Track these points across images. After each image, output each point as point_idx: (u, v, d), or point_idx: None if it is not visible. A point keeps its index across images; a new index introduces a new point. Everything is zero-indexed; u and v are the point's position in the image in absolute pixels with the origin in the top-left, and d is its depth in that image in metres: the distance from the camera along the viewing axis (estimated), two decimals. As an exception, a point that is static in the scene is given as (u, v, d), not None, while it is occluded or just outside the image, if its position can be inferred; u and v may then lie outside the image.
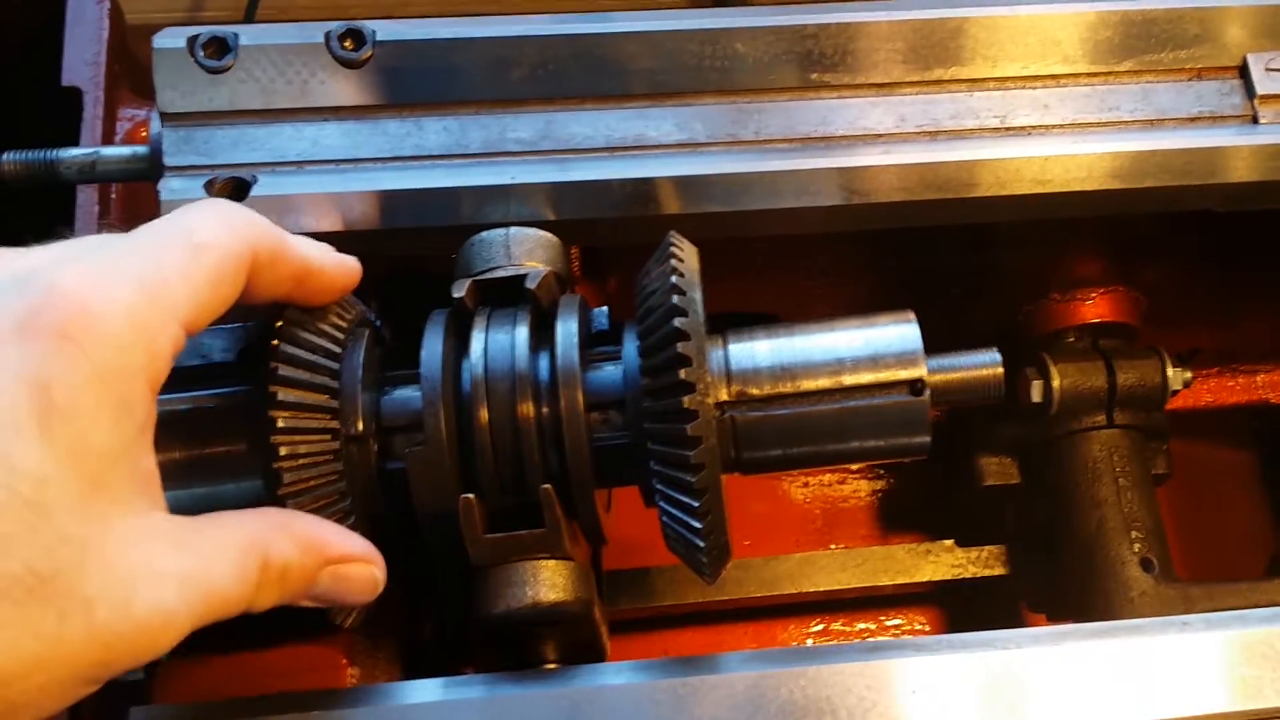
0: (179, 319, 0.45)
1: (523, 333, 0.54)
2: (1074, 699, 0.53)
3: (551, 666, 0.58)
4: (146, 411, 0.43)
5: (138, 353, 0.43)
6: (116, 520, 0.41)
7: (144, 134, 0.89)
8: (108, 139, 0.84)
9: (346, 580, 0.50)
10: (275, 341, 0.52)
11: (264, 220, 0.51)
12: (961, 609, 0.92)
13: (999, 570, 0.87)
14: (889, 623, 0.92)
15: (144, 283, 0.44)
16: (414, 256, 0.64)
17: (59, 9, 0.85)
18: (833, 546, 0.92)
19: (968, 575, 0.87)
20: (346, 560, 0.50)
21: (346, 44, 0.62)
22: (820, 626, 0.92)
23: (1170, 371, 0.80)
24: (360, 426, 0.54)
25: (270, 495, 0.52)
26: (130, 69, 0.86)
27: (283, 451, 0.51)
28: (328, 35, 0.62)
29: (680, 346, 0.51)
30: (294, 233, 0.57)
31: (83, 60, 0.84)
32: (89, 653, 0.40)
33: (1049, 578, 0.83)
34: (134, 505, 0.42)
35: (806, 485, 0.96)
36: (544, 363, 0.54)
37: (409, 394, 0.55)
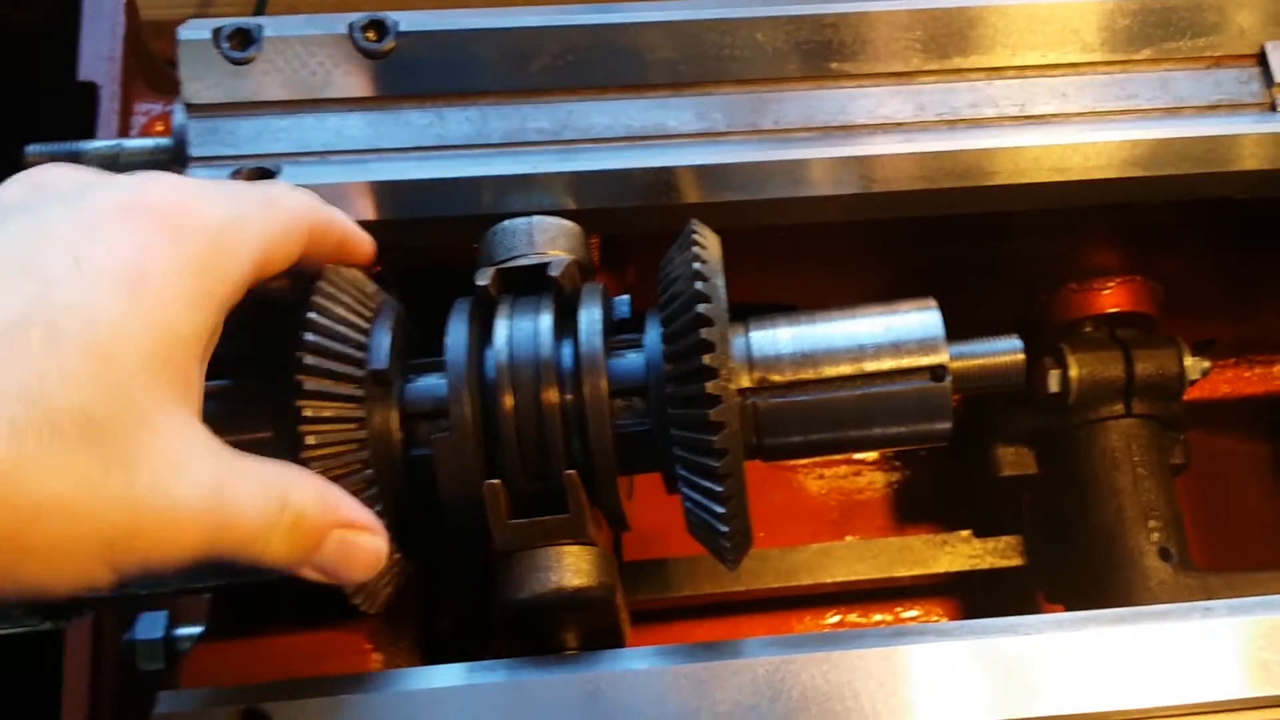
0: (254, 250, 0.48)
1: (546, 320, 0.55)
2: (1096, 684, 0.53)
3: (572, 652, 0.58)
4: (215, 323, 0.46)
5: (222, 256, 0.46)
6: (172, 405, 0.43)
7: (160, 128, 0.89)
8: (124, 133, 0.85)
9: (353, 548, 0.50)
10: (301, 331, 0.53)
11: (316, 197, 0.54)
12: (978, 600, 0.92)
13: (1016, 561, 0.87)
14: (905, 614, 0.92)
15: (232, 206, 0.48)
16: (436, 246, 0.64)
17: (75, 5, 0.85)
18: (849, 538, 0.92)
19: (985, 566, 0.87)
20: (356, 527, 0.50)
21: (369, 35, 0.62)
22: (837, 618, 0.92)
23: (1188, 361, 0.80)
24: (386, 414, 0.54)
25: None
26: (145, 64, 0.87)
27: (309, 440, 0.52)
28: (351, 26, 0.62)
29: (704, 332, 0.51)
30: None
31: (99, 55, 0.85)
32: (117, 517, 0.40)
33: (1066, 568, 0.83)
34: (186, 401, 0.44)
35: (822, 477, 0.96)
36: (567, 350, 0.55)
37: (433, 381, 0.56)
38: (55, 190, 0.46)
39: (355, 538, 0.50)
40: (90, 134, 0.83)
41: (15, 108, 0.93)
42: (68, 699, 0.77)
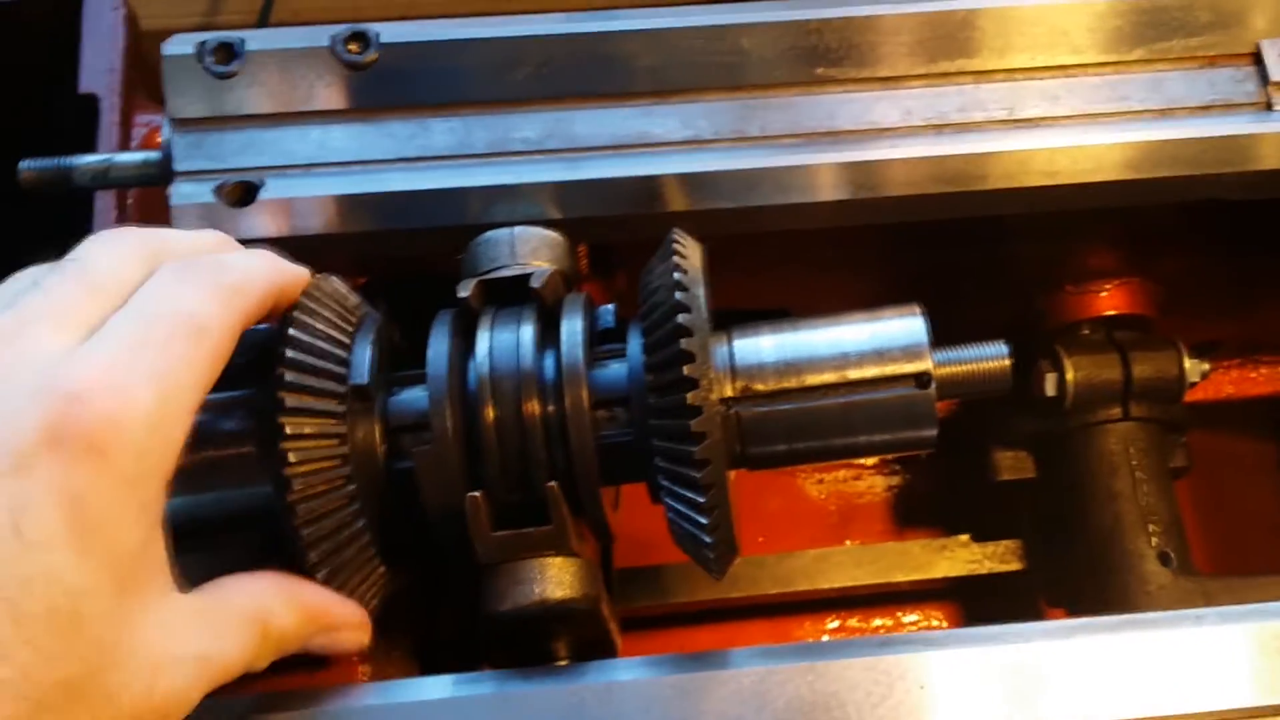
0: (190, 411, 0.46)
1: (528, 332, 0.55)
2: (1087, 693, 0.53)
3: (562, 663, 0.58)
4: (162, 504, 0.45)
5: (158, 455, 0.44)
6: (139, 614, 0.43)
7: (159, 139, 0.90)
8: (124, 145, 0.85)
9: (337, 643, 0.53)
10: (282, 347, 0.52)
11: (250, 269, 0.51)
12: (978, 605, 0.91)
13: (1015, 565, 0.86)
14: (905, 619, 0.92)
15: (160, 382, 0.44)
16: (420, 257, 0.64)
17: (75, 17, 0.86)
18: (848, 543, 0.92)
19: (984, 571, 0.86)
20: (337, 628, 0.53)
21: (351, 47, 0.62)
22: (836, 624, 0.91)
23: (1188, 363, 0.80)
24: (368, 428, 0.54)
25: (279, 499, 0.52)
26: (146, 75, 0.87)
27: (291, 458, 0.51)
28: (333, 39, 0.62)
29: (684, 343, 0.51)
30: (302, 235, 0.58)
31: (99, 67, 0.85)
32: None
33: (1066, 572, 0.83)
34: (154, 593, 0.45)
35: (822, 481, 0.96)
36: (549, 361, 0.54)
37: (416, 394, 0.56)
38: None
39: (339, 635, 0.53)
40: (92, 145, 0.84)
41: (19, 120, 0.94)
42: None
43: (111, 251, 0.48)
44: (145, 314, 0.46)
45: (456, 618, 0.75)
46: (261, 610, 0.49)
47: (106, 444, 0.42)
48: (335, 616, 0.52)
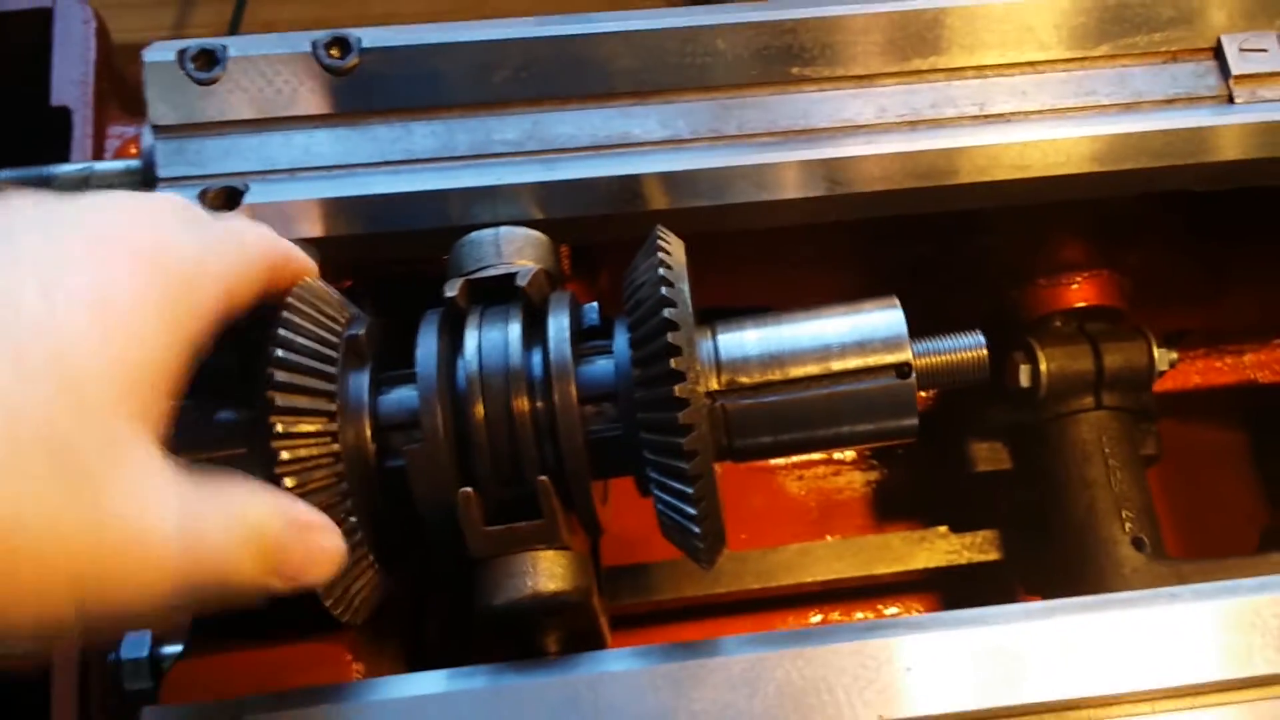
0: (221, 287, 0.47)
1: (515, 329, 0.55)
2: (1067, 671, 0.54)
3: (553, 655, 0.59)
4: (184, 359, 0.45)
5: (192, 296, 0.45)
6: (139, 436, 0.42)
7: (134, 150, 0.90)
8: (98, 156, 0.85)
9: (314, 550, 0.50)
10: (271, 347, 0.53)
11: (272, 232, 0.54)
12: (958, 594, 0.93)
13: (993, 555, 0.88)
14: (887, 610, 0.93)
15: (201, 243, 0.47)
16: (406, 259, 0.65)
17: (46, 30, 0.86)
18: (829, 537, 0.93)
19: (963, 561, 0.88)
20: (313, 528, 0.50)
21: (333, 52, 0.63)
22: (819, 617, 0.92)
23: (1157, 353, 0.81)
24: (358, 427, 0.55)
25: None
26: (118, 87, 0.87)
27: (283, 456, 0.52)
28: (314, 44, 0.63)
29: (670, 337, 0.52)
30: (288, 239, 0.58)
31: (71, 79, 0.86)
32: (86, 549, 0.39)
33: (1043, 560, 0.84)
34: (153, 434, 0.43)
35: (801, 478, 0.97)
36: (537, 358, 0.55)
37: (405, 393, 0.56)
38: (22, 218, 0.45)
39: (315, 539, 0.49)
40: (65, 158, 0.84)
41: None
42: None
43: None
44: (193, 219, 0.49)
45: (445, 617, 0.76)
46: (240, 502, 0.46)
47: (149, 257, 0.44)
48: (305, 514, 0.49)
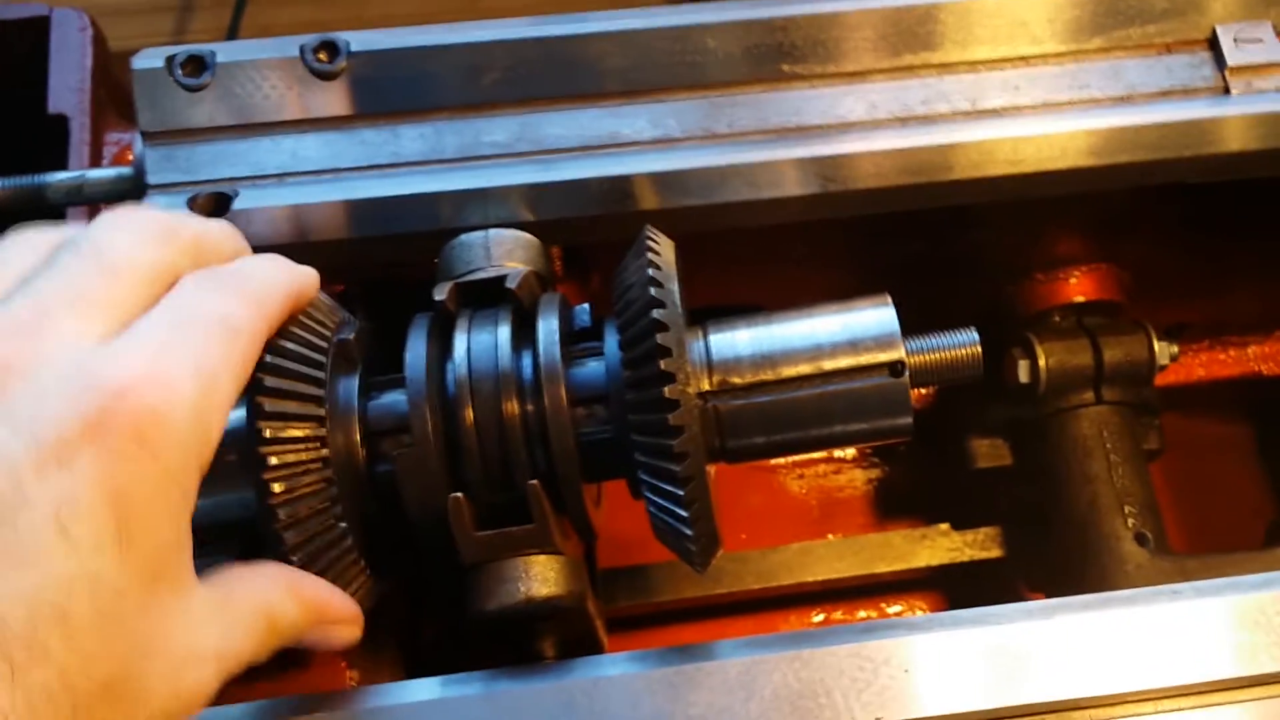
0: (228, 406, 0.45)
1: (505, 332, 0.55)
2: (1068, 670, 0.53)
3: (548, 661, 0.58)
4: (195, 498, 0.44)
5: (199, 447, 0.43)
6: (170, 609, 0.43)
7: (130, 157, 0.90)
8: (95, 163, 0.85)
9: (331, 637, 0.53)
10: (260, 354, 0.53)
11: (269, 275, 0.51)
12: (960, 592, 0.92)
13: (996, 552, 0.87)
14: (889, 609, 0.92)
15: (200, 376, 0.44)
16: (396, 263, 0.64)
17: (42, 37, 0.86)
18: (830, 536, 0.93)
19: (965, 559, 0.87)
20: (333, 621, 0.53)
21: (321, 56, 0.63)
22: (821, 616, 0.92)
23: (1157, 346, 0.81)
24: (348, 433, 0.54)
25: (261, 504, 0.52)
26: (115, 94, 0.87)
27: (271, 461, 0.52)
28: (302, 48, 0.63)
29: (660, 338, 0.51)
30: (276, 245, 0.58)
31: (68, 87, 0.85)
32: None
33: (1045, 557, 0.84)
34: (182, 588, 0.44)
35: (802, 476, 0.96)
36: (527, 361, 0.55)
37: (395, 398, 0.56)
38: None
39: (332, 629, 0.53)
40: (63, 166, 0.84)
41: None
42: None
43: (129, 234, 0.47)
44: (179, 313, 0.45)
45: (440, 622, 0.75)
46: (268, 603, 0.49)
47: (151, 436, 0.41)
48: (333, 610, 0.52)
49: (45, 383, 0.41)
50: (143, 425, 0.41)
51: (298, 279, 0.53)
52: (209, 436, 0.44)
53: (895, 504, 0.95)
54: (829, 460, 0.96)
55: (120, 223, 0.47)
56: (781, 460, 0.96)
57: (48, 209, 0.70)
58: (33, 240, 0.47)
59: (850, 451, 0.96)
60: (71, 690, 0.39)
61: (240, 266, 0.50)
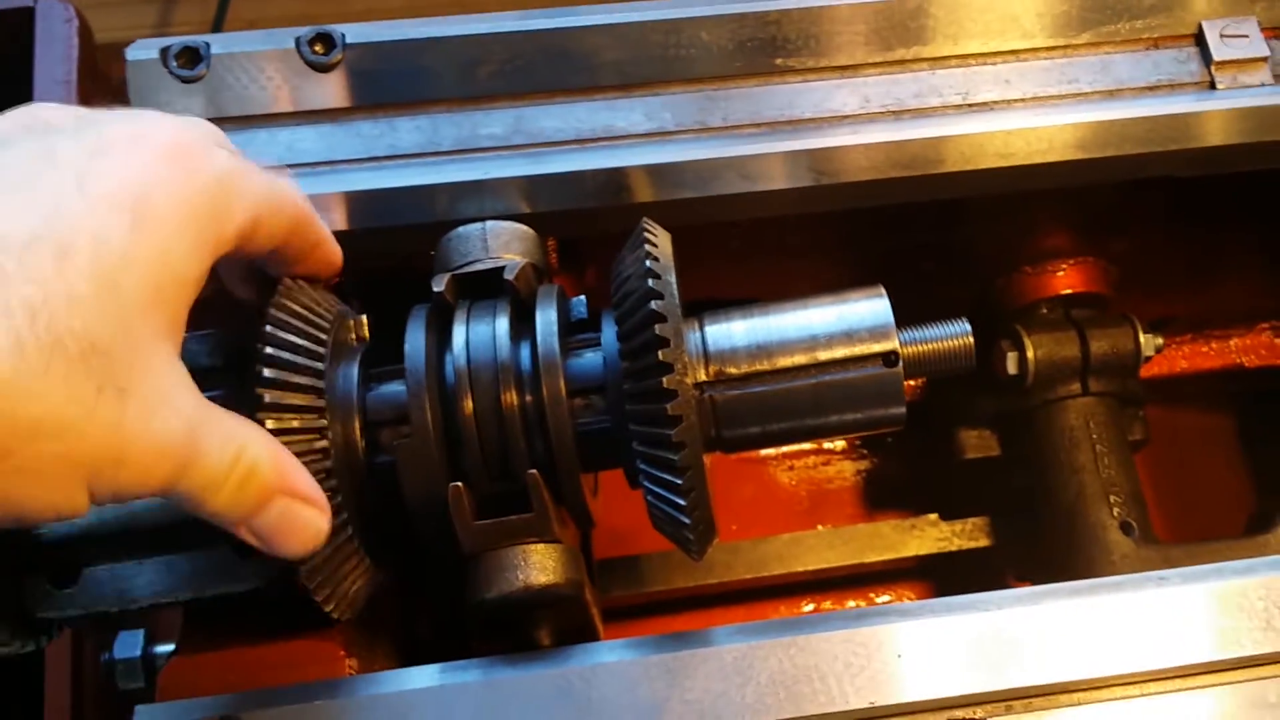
0: (250, 204, 0.48)
1: (503, 323, 0.55)
2: (1058, 654, 0.54)
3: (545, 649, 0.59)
4: (207, 268, 0.46)
5: (221, 201, 0.46)
6: (164, 341, 0.43)
7: (120, 150, 0.90)
8: (83, 156, 0.85)
9: (294, 519, 0.49)
10: (258, 344, 0.53)
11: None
12: (948, 581, 0.93)
13: (984, 542, 0.88)
14: (878, 599, 0.93)
15: (237, 161, 0.48)
16: (393, 255, 0.65)
17: (28, 29, 0.86)
18: (820, 527, 0.94)
19: (953, 548, 0.88)
20: (301, 497, 0.50)
21: (317, 48, 0.63)
22: (811, 606, 0.93)
23: (1142, 338, 0.82)
24: (347, 423, 0.55)
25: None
26: (101, 87, 0.87)
27: None
28: (298, 40, 0.63)
29: (658, 329, 0.52)
30: None
31: (53, 79, 0.85)
32: (106, 444, 0.41)
33: (1033, 546, 0.85)
34: (176, 341, 0.45)
35: (792, 468, 0.97)
36: (525, 352, 0.55)
37: (394, 389, 0.56)
38: (58, 120, 0.45)
39: (298, 509, 0.50)
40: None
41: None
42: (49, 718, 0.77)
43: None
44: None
45: (435, 613, 0.76)
46: (241, 436, 0.47)
47: (183, 160, 0.44)
48: (299, 482, 0.50)
49: (102, 114, 0.46)
50: (177, 150, 0.45)
51: (325, 230, 0.55)
52: (230, 206, 0.46)
53: (884, 495, 0.96)
54: (819, 452, 0.97)
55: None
56: (772, 452, 0.97)
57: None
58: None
59: (840, 443, 0.97)
60: (53, 318, 0.39)
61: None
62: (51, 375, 0.39)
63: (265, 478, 0.48)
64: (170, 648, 0.79)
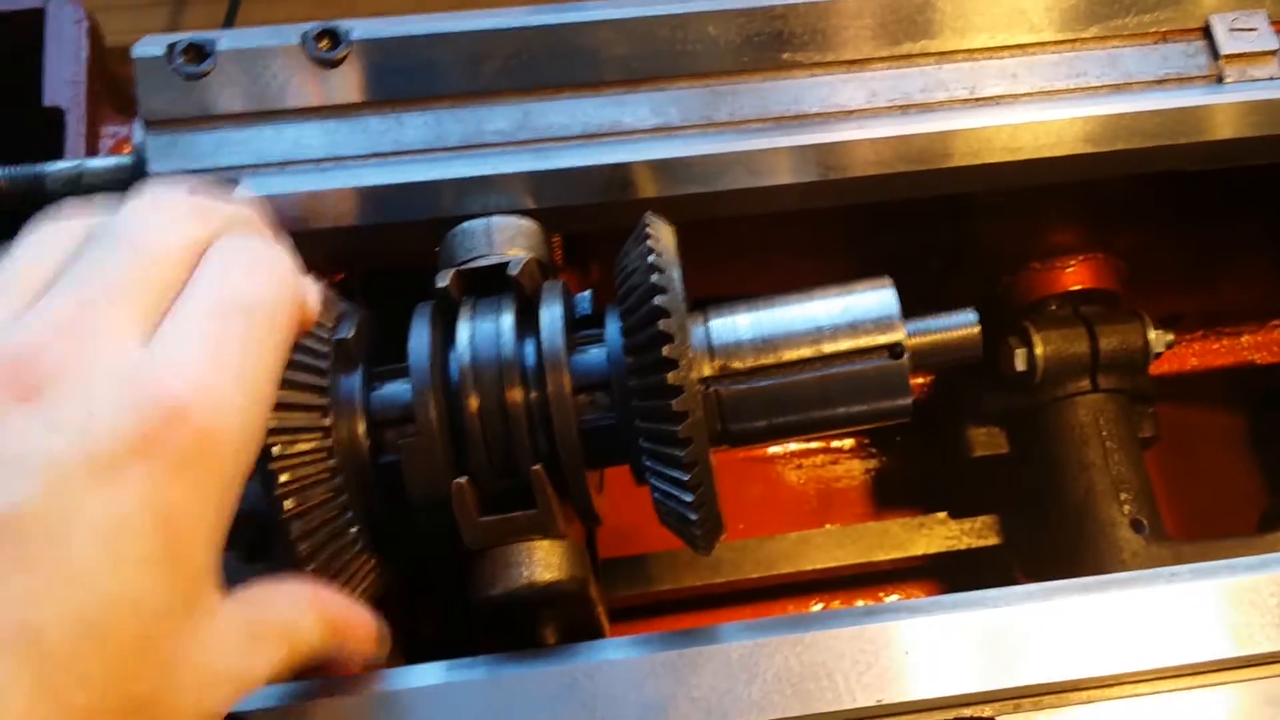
0: (269, 406, 0.44)
1: (508, 320, 0.55)
2: (1067, 651, 0.54)
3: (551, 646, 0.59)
4: (232, 512, 0.43)
5: (245, 461, 0.42)
6: (201, 631, 0.42)
7: (127, 149, 0.90)
8: (91, 155, 0.85)
9: (353, 657, 0.52)
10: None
11: (291, 265, 0.48)
12: (957, 580, 0.93)
13: (993, 540, 0.88)
14: (887, 598, 0.93)
15: (244, 382, 0.42)
16: (398, 251, 0.65)
17: (38, 29, 0.86)
18: (827, 526, 0.93)
19: (962, 546, 0.88)
20: (356, 640, 0.52)
21: (323, 44, 0.63)
22: (819, 605, 0.92)
23: (1152, 334, 0.81)
24: (351, 422, 0.54)
25: (267, 495, 0.52)
26: (111, 87, 0.87)
27: (275, 451, 0.52)
28: (304, 36, 0.63)
29: (662, 324, 0.52)
30: (280, 232, 0.58)
31: (63, 80, 0.85)
32: None
33: (1042, 544, 0.84)
34: (214, 608, 0.43)
35: (800, 466, 0.97)
36: (530, 348, 0.55)
37: (398, 387, 0.56)
38: (48, 410, 0.39)
39: (353, 649, 0.51)
40: (59, 159, 0.83)
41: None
42: None
43: (162, 219, 0.44)
44: (219, 304, 0.43)
45: (438, 610, 0.76)
46: (291, 624, 0.47)
47: (203, 457, 0.40)
48: (354, 629, 0.51)
49: (95, 391, 0.39)
50: (196, 447, 0.40)
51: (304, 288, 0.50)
52: (254, 445, 0.43)
53: (892, 493, 0.95)
54: (826, 450, 0.97)
55: (152, 207, 0.45)
56: (779, 450, 0.96)
57: (46, 199, 0.70)
58: (63, 230, 0.45)
59: (848, 441, 0.96)
60: (106, 713, 0.38)
61: (268, 242, 0.48)
62: None
63: (317, 642, 0.49)
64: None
